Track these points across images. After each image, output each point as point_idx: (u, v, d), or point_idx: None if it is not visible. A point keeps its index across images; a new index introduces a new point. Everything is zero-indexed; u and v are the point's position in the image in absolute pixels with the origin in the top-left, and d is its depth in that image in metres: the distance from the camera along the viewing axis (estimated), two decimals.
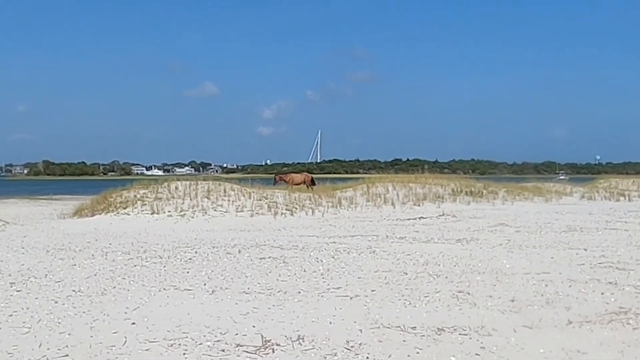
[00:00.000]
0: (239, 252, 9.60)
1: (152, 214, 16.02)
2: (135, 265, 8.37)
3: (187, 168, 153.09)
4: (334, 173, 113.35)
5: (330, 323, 5.23)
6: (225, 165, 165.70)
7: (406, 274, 7.48)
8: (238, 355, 4.45)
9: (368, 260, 8.64)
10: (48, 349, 4.60)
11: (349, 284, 6.89)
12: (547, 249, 9.62)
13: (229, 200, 17.53)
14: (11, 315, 5.57)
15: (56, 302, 6.08)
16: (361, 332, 4.95)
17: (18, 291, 6.65)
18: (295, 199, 18.75)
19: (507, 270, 7.66)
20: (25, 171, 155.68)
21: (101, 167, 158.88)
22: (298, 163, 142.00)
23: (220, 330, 5.02)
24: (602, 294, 6.21)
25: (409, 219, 15.81)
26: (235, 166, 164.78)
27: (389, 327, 5.06)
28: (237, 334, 4.94)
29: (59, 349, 4.58)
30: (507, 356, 4.38)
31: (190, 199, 17.22)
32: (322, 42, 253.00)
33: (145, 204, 16.80)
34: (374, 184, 22.75)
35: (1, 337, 4.89)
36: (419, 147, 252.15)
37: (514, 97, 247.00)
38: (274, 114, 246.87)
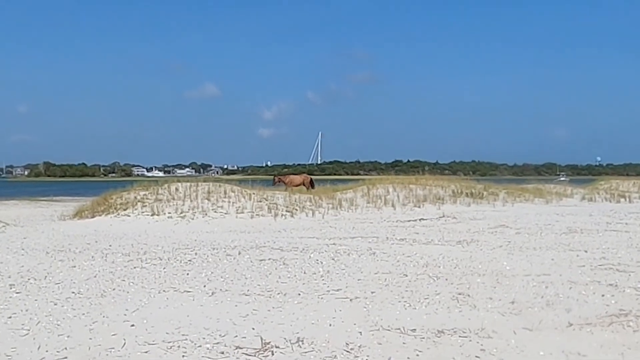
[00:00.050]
0: (239, 253, 9.59)
1: (152, 215, 16.03)
2: (135, 267, 8.36)
3: (187, 169, 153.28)
4: (335, 174, 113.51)
5: (330, 325, 5.22)
6: (225, 166, 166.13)
7: (406, 275, 7.47)
8: (237, 358, 4.44)
9: (368, 262, 8.63)
10: (47, 351, 4.60)
11: (348, 285, 6.87)
12: (547, 250, 9.60)
13: (229, 202, 17.53)
14: (10, 317, 5.56)
15: (55, 304, 6.07)
16: (361, 334, 4.94)
17: (17, 293, 6.64)
18: (295, 201, 18.74)
19: (508, 272, 7.64)
20: (26, 172, 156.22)
21: (102, 169, 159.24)
22: (298, 164, 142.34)
23: (219, 333, 5.01)
24: (603, 296, 6.19)
25: (409, 221, 15.78)
26: (235, 167, 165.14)
27: (388, 329, 5.05)
28: (236, 336, 4.93)
29: (57, 351, 4.58)
30: (507, 358, 4.37)
31: (191, 201, 17.23)
32: (322, 43, 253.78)
33: (146, 206, 16.82)
34: (374, 185, 22.72)
35: (0, 339, 4.88)
36: (419, 148, 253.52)
37: (514, 97, 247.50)
38: (275, 115, 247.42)
